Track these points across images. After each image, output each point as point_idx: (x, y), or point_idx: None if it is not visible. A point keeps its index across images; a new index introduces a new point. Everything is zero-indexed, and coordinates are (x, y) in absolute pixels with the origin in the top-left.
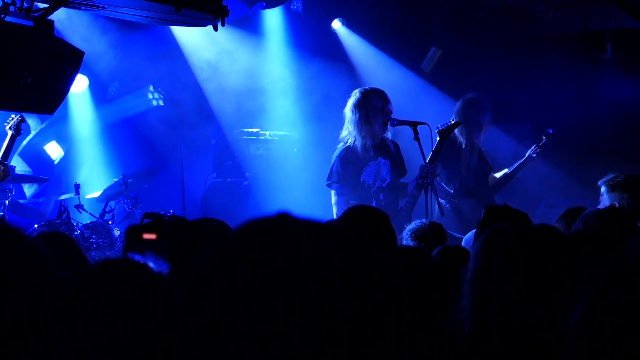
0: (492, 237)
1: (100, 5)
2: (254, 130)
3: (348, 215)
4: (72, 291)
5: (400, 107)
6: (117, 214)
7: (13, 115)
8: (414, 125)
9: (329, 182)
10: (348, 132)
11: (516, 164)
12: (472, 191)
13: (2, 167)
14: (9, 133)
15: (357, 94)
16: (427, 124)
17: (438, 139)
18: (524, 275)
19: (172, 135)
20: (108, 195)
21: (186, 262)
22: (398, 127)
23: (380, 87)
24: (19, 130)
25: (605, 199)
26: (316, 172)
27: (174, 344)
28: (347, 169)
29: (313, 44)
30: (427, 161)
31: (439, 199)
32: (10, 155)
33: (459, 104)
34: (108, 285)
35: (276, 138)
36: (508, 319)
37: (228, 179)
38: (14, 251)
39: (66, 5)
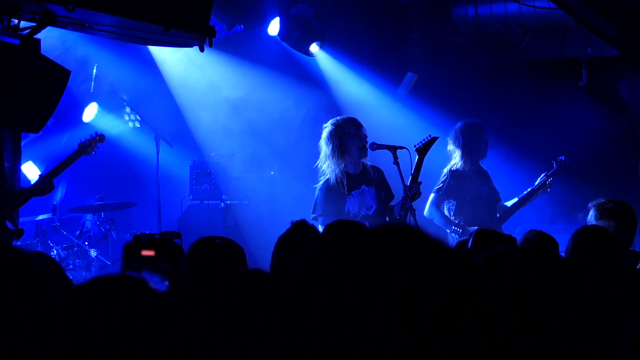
0: (488, 260)
1: (87, 25)
2: (231, 152)
3: (329, 232)
4: (67, 305)
5: (377, 131)
6: (93, 236)
7: (95, 134)
8: (393, 149)
9: (315, 215)
10: (327, 166)
11: (525, 193)
12: (480, 222)
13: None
14: (78, 149)
15: (329, 126)
16: (407, 148)
17: (417, 157)
18: (526, 300)
19: (148, 157)
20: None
21: (198, 280)
22: (377, 151)
23: (357, 111)
24: (92, 150)
25: (592, 223)
26: (293, 195)
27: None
28: (330, 201)
29: (291, 67)
30: (407, 184)
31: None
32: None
33: (459, 128)
34: (105, 300)
35: (253, 161)
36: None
37: (205, 202)
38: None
39: (53, 25)
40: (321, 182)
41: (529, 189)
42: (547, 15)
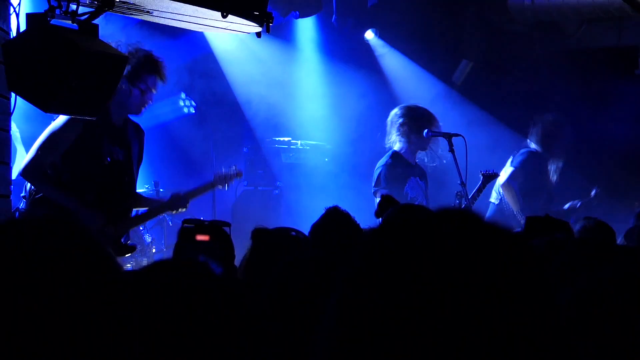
0: (546, 248)
1: (145, 10)
2: (286, 139)
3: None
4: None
5: None
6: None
7: (235, 168)
8: (448, 137)
9: (376, 189)
10: (399, 140)
11: (568, 205)
12: (535, 210)
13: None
14: (213, 180)
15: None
16: (462, 136)
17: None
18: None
19: (203, 143)
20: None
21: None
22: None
23: (411, 98)
24: (227, 184)
25: None
26: (346, 182)
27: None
28: (393, 178)
29: (346, 54)
30: (462, 172)
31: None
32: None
33: (547, 125)
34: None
35: (307, 147)
36: None
37: (259, 188)
38: (80, 247)
39: (111, 10)
40: (386, 158)
41: (570, 204)
42: (603, 3)
